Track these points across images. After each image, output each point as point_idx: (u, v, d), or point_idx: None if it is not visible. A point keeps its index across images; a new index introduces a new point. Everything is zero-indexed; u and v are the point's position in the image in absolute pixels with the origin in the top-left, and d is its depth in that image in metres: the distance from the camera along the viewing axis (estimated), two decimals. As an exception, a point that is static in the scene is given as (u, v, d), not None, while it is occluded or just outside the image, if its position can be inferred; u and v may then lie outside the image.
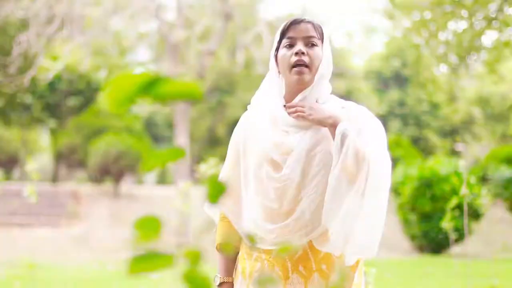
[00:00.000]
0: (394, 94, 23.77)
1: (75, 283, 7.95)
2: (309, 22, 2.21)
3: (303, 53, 2.16)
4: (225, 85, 24.94)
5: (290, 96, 2.23)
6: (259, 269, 2.16)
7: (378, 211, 2.06)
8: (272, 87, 2.26)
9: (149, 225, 0.76)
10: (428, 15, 10.93)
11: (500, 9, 9.92)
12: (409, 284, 7.58)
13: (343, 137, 2.03)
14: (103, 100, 0.73)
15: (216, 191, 0.81)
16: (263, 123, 2.24)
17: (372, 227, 2.05)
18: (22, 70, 14.72)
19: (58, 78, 19.11)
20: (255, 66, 18.46)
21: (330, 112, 2.09)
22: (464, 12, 10.29)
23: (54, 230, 13.81)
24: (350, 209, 2.03)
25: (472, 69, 12.94)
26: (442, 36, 11.54)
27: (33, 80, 17.19)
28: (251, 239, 2.17)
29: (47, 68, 16.28)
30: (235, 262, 2.27)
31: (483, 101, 23.34)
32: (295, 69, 2.16)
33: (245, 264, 2.20)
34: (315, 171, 2.12)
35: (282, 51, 2.21)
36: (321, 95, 2.20)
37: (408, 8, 11.33)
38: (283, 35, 2.22)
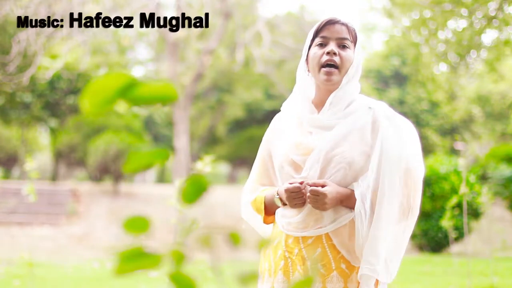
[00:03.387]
0: (393, 92, 23.76)
1: (74, 282, 7.95)
2: (344, 24, 2.21)
3: (334, 53, 2.17)
4: (225, 84, 24.91)
5: (318, 96, 2.24)
6: (282, 267, 2.20)
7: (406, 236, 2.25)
8: (300, 87, 2.27)
9: (137, 225, 0.76)
10: (427, 13, 10.92)
11: (500, 8, 9.91)
12: (409, 282, 7.57)
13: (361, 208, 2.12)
14: (82, 104, 0.73)
15: (194, 191, 0.80)
16: (290, 125, 2.27)
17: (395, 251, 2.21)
18: (22, 69, 14.71)
19: (57, 76, 19.09)
20: (255, 65, 18.45)
21: (338, 196, 2.12)
22: (463, 11, 10.29)
23: (54, 228, 13.81)
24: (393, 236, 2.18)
25: (471, 68, 12.93)
26: (441, 34, 11.53)
27: (33, 79, 17.18)
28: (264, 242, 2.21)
29: (47, 67, 16.27)
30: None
31: (483, 100, 23.33)
32: (324, 69, 2.17)
33: (271, 261, 2.24)
34: (332, 172, 2.15)
35: (314, 49, 2.22)
36: (350, 96, 2.22)
37: (407, 7, 11.32)
38: (316, 34, 2.23)
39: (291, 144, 2.20)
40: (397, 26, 13.88)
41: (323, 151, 2.13)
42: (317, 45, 2.21)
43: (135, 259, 0.74)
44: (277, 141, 2.29)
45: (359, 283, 2.11)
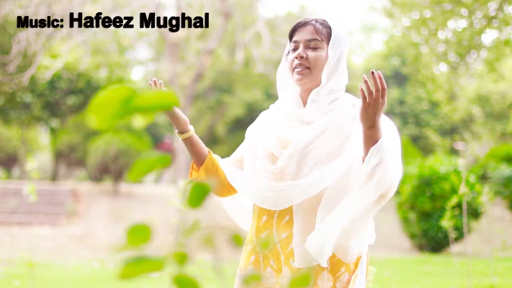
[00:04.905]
0: (393, 92, 23.75)
1: (74, 282, 7.95)
2: (312, 24, 2.23)
3: (301, 57, 2.21)
4: (225, 84, 24.92)
5: (303, 93, 2.28)
6: (253, 261, 2.20)
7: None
8: (288, 86, 2.32)
9: (139, 233, 0.76)
10: (427, 13, 10.92)
11: (500, 8, 9.91)
12: (409, 282, 7.57)
13: (379, 156, 1.98)
14: (90, 120, 0.74)
15: (198, 195, 0.81)
16: (276, 119, 2.30)
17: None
18: (22, 69, 14.71)
19: (57, 76, 19.09)
20: (255, 65, 18.45)
21: (379, 121, 2.00)
22: (463, 11, 10.29)
23: (54, 228, 13.81)
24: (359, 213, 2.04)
25: (471, 68, 12.93)
26: (441, 34, 11.53)
27: (33, 79, 17.18)
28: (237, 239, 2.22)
29: (47, 67, 16.26)
30: (202, 151, 2.39)
31: (482, 100, 23.33)
32: (295, 70, 2.22)
33: (241, 256, 2.27)
34: (310, 166, 2.13)
35: (289, 54, 2.28)
36: (334, 93, 2.23)
37: (407, 7, 11.33)
38: (290, 38, 2.28)
39: (273, 138, 2.22)
40: (397, 26, 13.89)
41: (300, 144, 2.15)
42: (292, 50, 2.26)
43: (138, 264, 0.74)
44: (259, 135, 2.31)
45: (338, 279, 2.11)
